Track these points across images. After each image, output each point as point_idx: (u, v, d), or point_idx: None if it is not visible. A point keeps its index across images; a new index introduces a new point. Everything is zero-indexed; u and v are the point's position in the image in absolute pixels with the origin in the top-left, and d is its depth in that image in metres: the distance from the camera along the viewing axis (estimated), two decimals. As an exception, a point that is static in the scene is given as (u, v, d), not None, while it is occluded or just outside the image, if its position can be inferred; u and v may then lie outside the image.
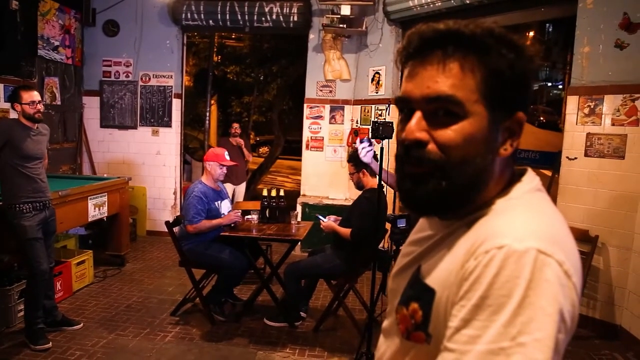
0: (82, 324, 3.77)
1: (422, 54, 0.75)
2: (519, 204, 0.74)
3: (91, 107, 6.56)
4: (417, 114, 0.76)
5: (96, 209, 4.71)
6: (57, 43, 5.87)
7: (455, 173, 0.74)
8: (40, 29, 5.51)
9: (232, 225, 4.02)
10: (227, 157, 4.12)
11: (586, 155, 3.92)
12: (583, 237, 3.82)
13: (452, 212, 0.79)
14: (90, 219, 4.67)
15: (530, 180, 0.79)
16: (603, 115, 3.85)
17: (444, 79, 0.72)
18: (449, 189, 0.74)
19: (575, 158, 3.99)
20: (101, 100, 6.54)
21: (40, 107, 3.38)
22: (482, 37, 0.72)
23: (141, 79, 6.49)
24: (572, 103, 4.05)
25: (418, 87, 0.75)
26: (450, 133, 0.73)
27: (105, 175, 6.10)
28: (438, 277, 0.76)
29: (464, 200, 0.76)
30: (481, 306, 0.65)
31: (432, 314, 0.75)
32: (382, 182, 2.98)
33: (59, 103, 6.01)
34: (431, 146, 0.74)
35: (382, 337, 0.92)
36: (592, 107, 3.91)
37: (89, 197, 4.60)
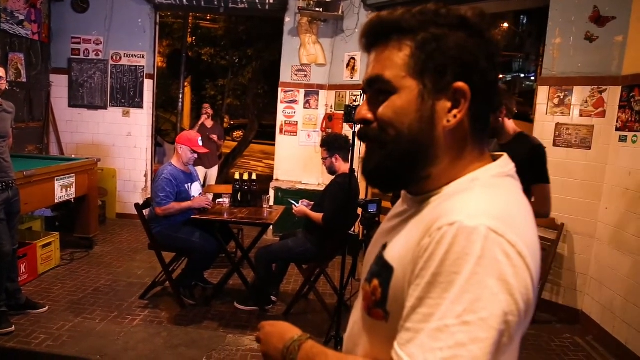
0: (47, 307, 3.69)
1: (371, 45, 0.81)
2: (480, 185, 0.74)
3: (59, 86, 6.35)
4: (365, 97, 0.84)
5: (63, 190, 4.59)
6: (22, 17, 5.65)
7: (392, 146, 0.78)
8: (2, 1, 5.29)
9: (202, 208, 3.98)
10: (200, 144, 4.06)
11: (554, 145, 4.00)
12: (549, 225, 3.91)
13: (403, 185, 0.83)
14: (56, 200, 4.55)
15: (503, 165, 0.79)
16: (572, 106, 3.93)
17: (376, 64, 0.79)
18: (389, 161, 0.79)
19: (544, 147, 4.06)
20: (70, 78, 6.34)
21: (3, 84, 3.26)
22: (408, 20, 0.77)
23: (112, 58, 6.31)
24: (542, 93, 4.11)
25: (366, 73, 0.82)
26: (382, 109, 0.78)
27: (73, 156, 5.94)
28: (397, 254, 0.76)
29: (410, 172, 0.79)
30: (434, 283, 0.65)
31: (390, 291, 0.75)
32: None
33: (24, 80, 5.80)
34: (374, 124, 0.80)
35: (352, 313, 0.92)
36: (561, 97, 3.98)
37: (55, 178, 4.48)
